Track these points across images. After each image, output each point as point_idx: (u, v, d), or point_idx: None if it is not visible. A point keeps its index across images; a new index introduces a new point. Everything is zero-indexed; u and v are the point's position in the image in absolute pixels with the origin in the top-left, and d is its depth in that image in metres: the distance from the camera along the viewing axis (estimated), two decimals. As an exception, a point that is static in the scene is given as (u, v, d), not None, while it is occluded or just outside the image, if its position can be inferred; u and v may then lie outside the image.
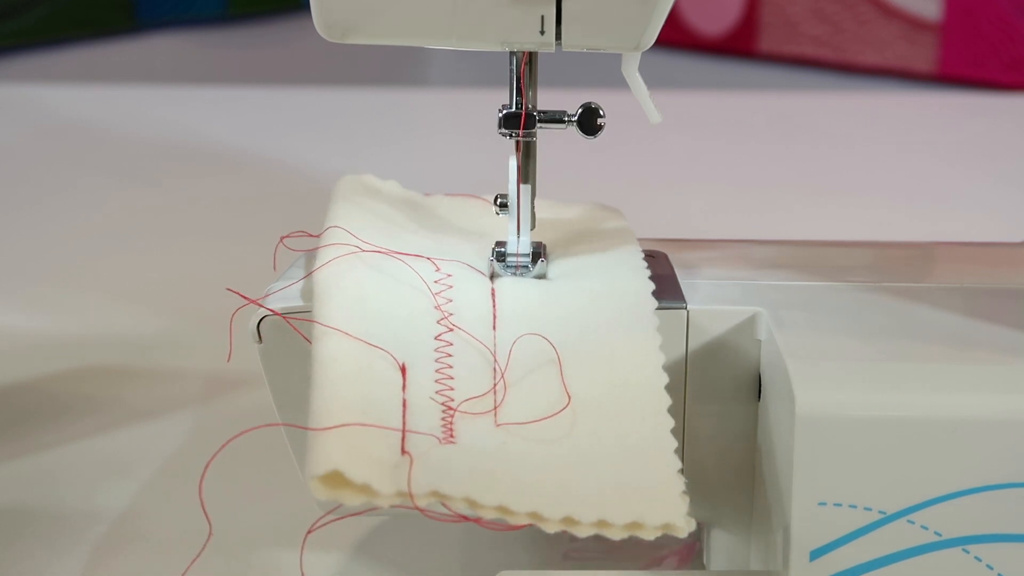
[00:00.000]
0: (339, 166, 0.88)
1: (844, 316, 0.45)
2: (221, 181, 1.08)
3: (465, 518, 0.37)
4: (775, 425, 0.42)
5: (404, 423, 0.39)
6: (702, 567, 0.49)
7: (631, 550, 0.50)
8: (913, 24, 2.01)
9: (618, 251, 0.48)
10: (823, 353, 0.42)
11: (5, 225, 0.96)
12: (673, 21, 2.17)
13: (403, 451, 0.38)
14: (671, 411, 0.41)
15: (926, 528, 0.39)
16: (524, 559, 0.51)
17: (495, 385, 0.42)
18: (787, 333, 0.43)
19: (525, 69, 0.46)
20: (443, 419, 0.40)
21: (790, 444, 0.39)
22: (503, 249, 0.47)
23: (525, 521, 0.37)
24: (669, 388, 0.41)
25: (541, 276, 0.47)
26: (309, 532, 0.43)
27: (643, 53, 0.46)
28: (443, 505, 0.37)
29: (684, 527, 0.38)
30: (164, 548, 0.52)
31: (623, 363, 0.42)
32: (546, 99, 0.48)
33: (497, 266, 0.47)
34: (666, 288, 0.46)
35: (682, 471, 0.39)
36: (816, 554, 0.40)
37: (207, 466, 0.42)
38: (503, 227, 0.48)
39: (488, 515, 0.37)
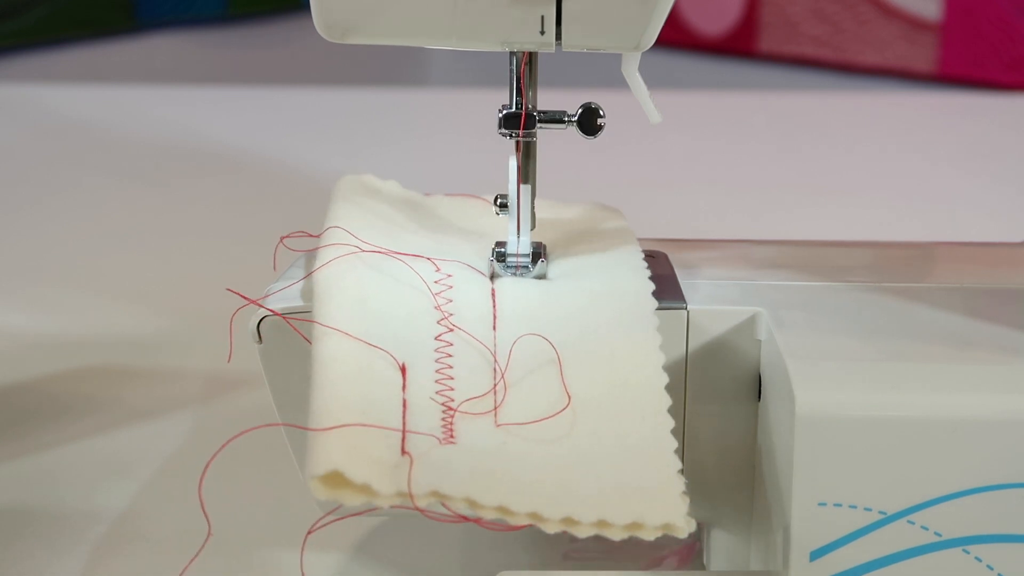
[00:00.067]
0: (339, 166, 0.88)
1: (844, 316, 0.45)
2: (221, 181, 1.08)
3: (465, 518, 0.37)
4: (775, 425, 0.42)
5: (404, 423, 0.39)
6: (702, 567, 0.49)
7: (631, 550, 0.50)
8: (913, 24, 2.01)
9: (618, 251, 0.48)
10: (823, 353, 0.42)
11: (5, 225, 0.96)
12: (673, 21, 2.17)
13: (403, 451, 0.38)
14: (671, 411, 0.41)
15: (926, 528, 0.39)
16: (524, 559, 0.51)
17: (495, 385, 0.42)
18: (787, 333, 0.43)
19: (525, 69, 0.46)
20: (443, 419, 0.40)
21: (790, 444, 0.39)
22: (503, 249, 0.47)
23: (525, 521, 0.37)
24: (669, 388, 0.41)
25: (541, 276, 0.47)
26: (309, 532, 0.43)
27: (643, 53, 0.46)
28: (443, 505, 0.37)
29: (684, 527, 0.38)
30: (164, 548, 0.52)
31: (623, 363, 0.42)
32: (546, 99, 0.48)
33: (497, 266, 0.47)
34: (666, 288, 0.46)
35: (682, 471, 0.39)
36: (816, 554, 0.40)
37: (207, 466, 0.42)
38: (503, 227, 0.48)
39: (488, 515, 0.37)
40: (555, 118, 0.47)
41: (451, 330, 0.43)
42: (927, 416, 0.39)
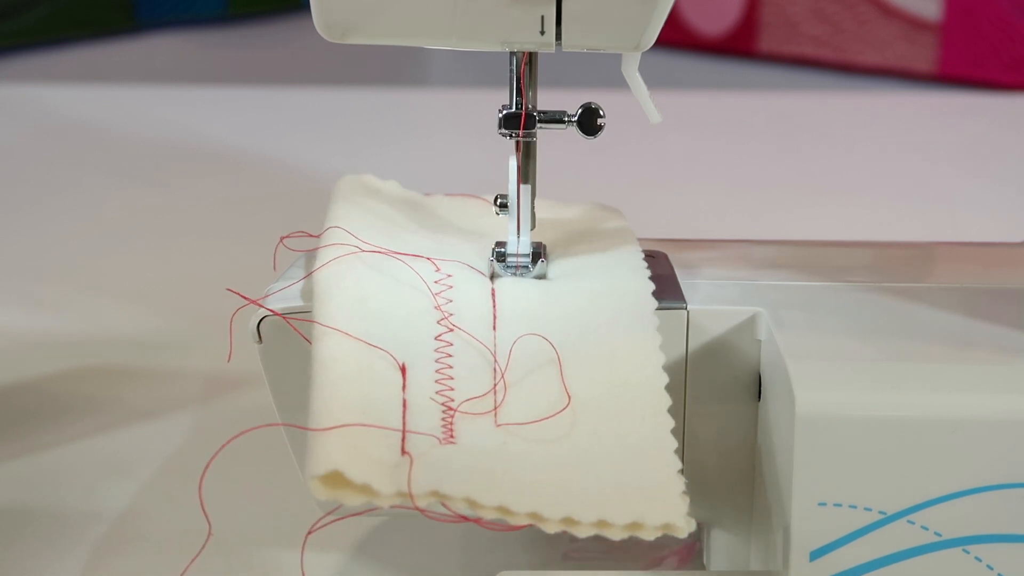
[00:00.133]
0: (339, 166, 0.88)
1: (844, 316, 0.45)
2: (221, 181, 1.08)
3: (465, 518, 0.37)
4: (775, 425, 0.42)
5: (404, 423, 0.39)
6: (702, 567, 0.49)
7: (631, 550, 0.50)
8: (913, 24, 2.01)
9: (618, 251, 0.48)
10: (823, 353, 0.42)
11: (5, 225, 0.96)
12: (673, 21, 2.17)
13: (403, 451, 0.38)
14: (671, 411, 0.41)
15: (926, 528, 0.39)
16: (524, 559, 0.51)
17: (495, 385, 0.42)
18: (787, 333, 0.43)
19: (525, 69, 0.46)
20: (443, 419, 0.40)
21: (790, 444, 0.39)
22: (503, 249, 0.47)
23: (525, 521, 0.37)
24: (669, 388, 0.41)
25: (541, 276, 0.47)
26: (309, 532, 0.43)
27: (643, 53, 0.46)
28: (443, 505, 0.37)
29: (684, 527, 0.38)
30: (164, 548, 0.52)
31: (623, 363, 0.42)
32: (546, 99, 0.48)
33: (497, 266, 0.47)
34: (666, 288, 0.46)
35: (682, 471, 0.39)
36: (816, 554, 0.40)
37: (207, 466, 0.42)
38: (503, 227, 0.48)
39: (488, 515, 0.37)
40: (555, 118, 0.47)
41: (451, 330, 0.43)
42: (927, 416, 0.39)
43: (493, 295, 0.45)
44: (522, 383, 0.42)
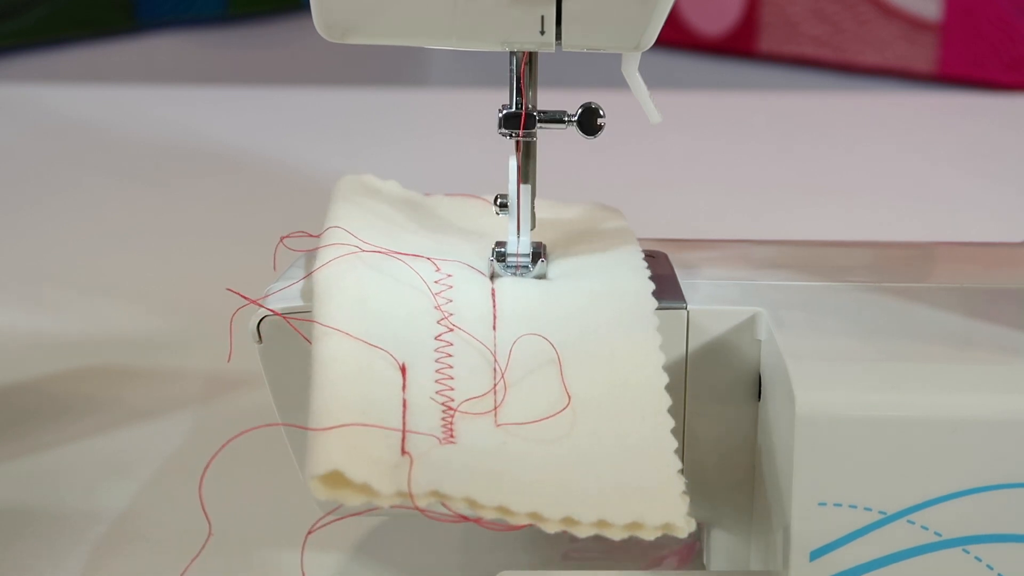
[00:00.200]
0: (339, 166, 0.88)
1: (844, 316, 0.45)
2: (221, 181, 1.08)
3: (465, 518, 0.37)
4: (775, 425, 0.42)
5: (404, 423, 0.39)
6: (702, 567, 0.49)
7: (631, 550, 0.50)
8: (913, 24, 2.01)
9: (618, 251, 0.48)
10: (823, 353, 0.42)
11: (5, 225, 0.96)
12: (673, 21, 2.17)
13: (403, 451, 0.38)
14: (671, 411, 0.41)
15: (926, 528, 0.39)
16: (524, 559, 0.51)
17: (495, 385, 0.42)
18: (787, 333, 0.43)
19: (525, 69, 0.46)
20: (443, 419, 0.40)
21: (790, 444, 0.39)
22: (503, 249, 0.47)
23: (525, 521, 0.37)
24: (669, 388, 0.41)
25: (541, 276, 0.47)
26: (309, 532, 0.43)
27: (643, 53, 0.46)
28: (443, 505, 0.37)
29: (684, 527, 0.38)
30: (164, 548, 0.52)
31: (623, 363, 0.42)
32: (546, 99, 0.48)
33: (497, 266, 0.47)
34: (666, 288, 0.46)
35: (682, 471, 0.39)
36: (816, 554, 0.40)
37: (207, 466, 0.43)
38: (503, 227, 0.48)
39: (488, 515, 0.37)
40: (555, 118, 0.47)
41: (451, 330, 0.43)
42: (927, 416, 0.39)
43: (493, 295, 0.45)
44: (522, 383, 0.42)
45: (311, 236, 0.48)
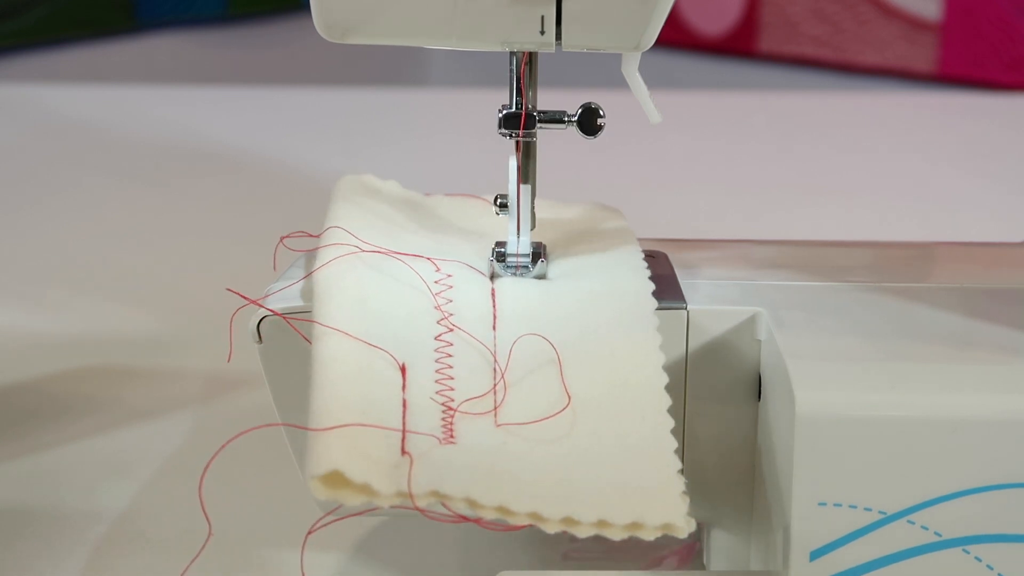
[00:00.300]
0: (339, 166, 0.88)
1: (844, 316, 0.45)
2: (221, 181, 1.08)
3: (465, 518, 0.37)
4: (775, 425, 0.42)
5: (404, 423, 0.39)
6: (702, 567, 0.49)
7: (631, 550, 0.50)
8: (913, 24, 2.01)
9: (618, 251, 0.48)
10: (823, 353, 0.42)
11: (5, 225, 0.96)
12: (673, 21, 2.18)
13: (403, 451, 0.38)
14: (671, 411, 0.41)
15: (926, 528, 0.39)
16: (524, 559, 0.51)
17: (495, 385, 0.42)
18: (787, 333, 0.43)
19: (525, 69, 0.46)
20: (443, 419, 0.40)
21: (790, 444, 0.39)
22: (503, 249, 0.47)
23: (525, 521, 0.37)
24: (669, 388, 0.41)
25: (541, 276, 0.47)
26: (309, 532, 0.43)
27: (643, 53, 0.46)
28: (443, 505, 0.37)
29: (684, 527, 0.38)
30: (164, 548, 0.52)
31: (623, 363, 0.42)
32: (546, 99, 0.48)
33: (497, 266, 0.47)
34: (666, 288, 0.46)
35: (682, 471, 0.39)
36: (816, 554, 0.40)
37: (207, 466, 0.42)
38: (503, 227, 0.48)
39: (488, 515, 0.37)
40: (555, 118, 0.47)
41: (451, 330, 0.43)
42: (927, 416, 0.39)
43: (493, 295, 0.45)
44: (522, 383, 0.42)
45: (311, 236, 0.48)
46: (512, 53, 0.46)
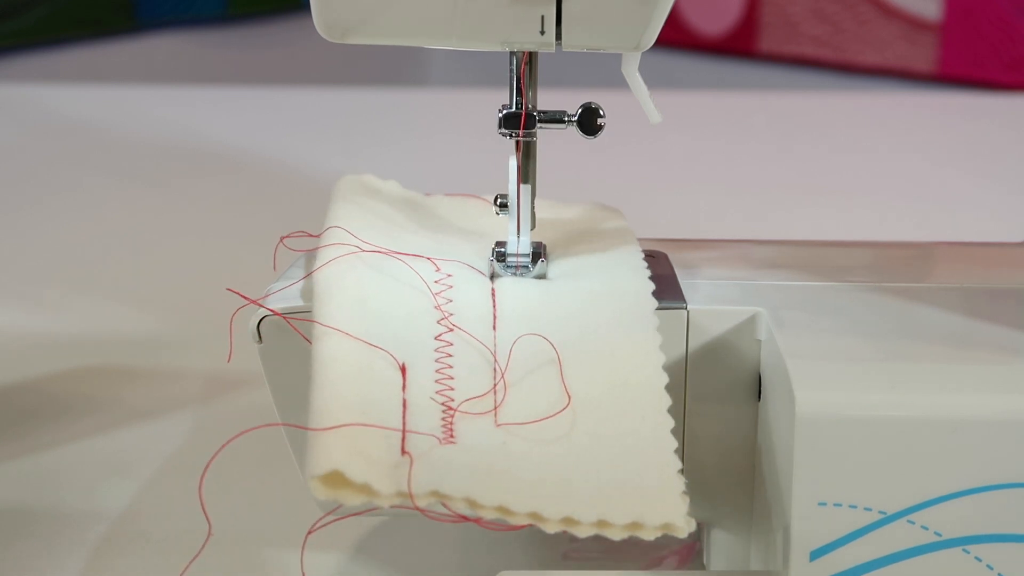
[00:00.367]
0: (339, 166, 0.88)
1: (844, 316, 0.45)
2: (221, 181, 1.08)
3: (465, 518, 0.37)
4: (775, 425, 0.42)
5: (404, 423, 0.39)
6: (702, 567, 0.49)
7: (631, 550, 0.50)
8: (913, 24, 2.01)
9: (618, 251, 0.48)
10: (823, 353, 0.42)
11: (5, 225, 0.96)
12: (673, 21, 2.18)
13: (403, 451, 0.38)
14: (671, 411, 0.41)
15: (926, 528, 0.39)
16: (524, 559, 0.51)
17: (495, 385, 0.42)
18: (787, 333, 0.43)
19: (525, 69, 0.46)
20: (443, 419, 0.40)
21: (790, 444, 0.39)
22: (503, 249, 0.47)
23: (525, 521, 0.37)
24: (669, 388, 0.41)
25: (541, 276, 0.47)
26: (309, 532, 0.43)
27: (643, 53, 0.46)
28: (443, 505, 0.37)
29: (684, 527, 0.38)
30: (164, 548, 0.52)
31: (623, 363, 0.42)
32: (546, 99, 0.48)
33: (497, 266, 0.47)
34: (666, 288, 0.46)
35: (682, 471, 0.39)
36: (816, 554, 0.40)
37: (207, 466, 0.43)
38: (503, 227, 0.48)
39: (488, 515, 0.37)
40: (555, 118, 0.47)
41: (451, 330, 0.43)
42: (927, 416, 0.39)
43: (493, 295, 0.45)
44: (522, 383, 0.42)
45: (311, 236, 0.48)
46: (512, 53, 0.46)
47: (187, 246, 0.92)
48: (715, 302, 0.45)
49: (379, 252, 0.46)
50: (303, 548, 0.49)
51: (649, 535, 0.38)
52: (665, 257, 0.49)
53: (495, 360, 0.42)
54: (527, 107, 0.46)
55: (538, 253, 0.47)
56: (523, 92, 0.46)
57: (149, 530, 0.53)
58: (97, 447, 0.61)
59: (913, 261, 0.53)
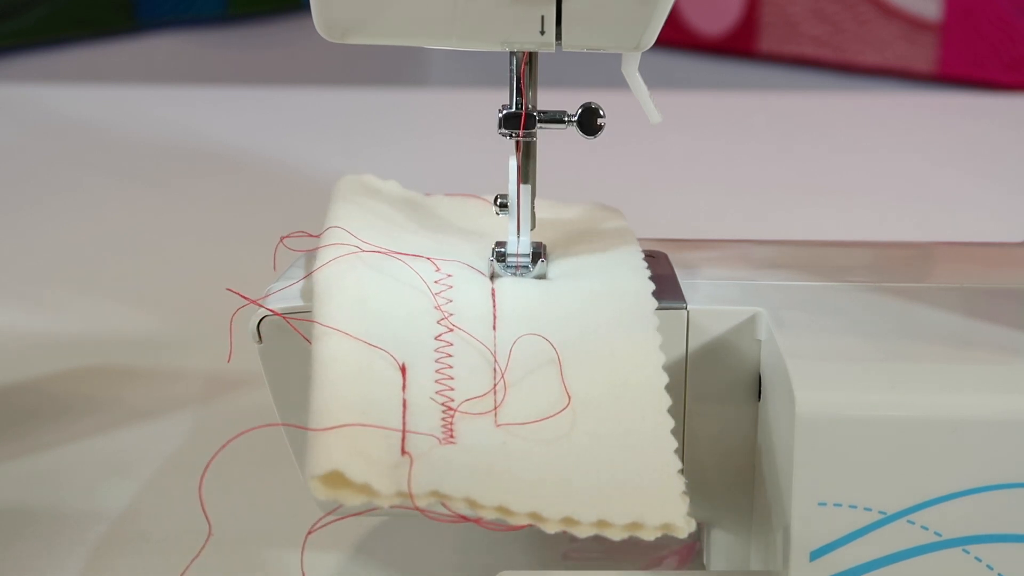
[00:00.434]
0: (339, 166, 0.88)
1: (844, 316, 0.45)
2: (221, 181, 1.08)
3: (465, 518, 0.37)
4: (775, 425, 0.42)
5: (404, 423, 0.39)
6: (702, 567, 0.49)
7: (631, 550, 0.50)
8: (913, 24, 2.01)
9: (618, 251, 0.48)
10: (823, 353, 0.42)
11: (5, 225, 0.96)
12: (673, 21, 2.18)
13: (403, 451, 0.38)
14: (671, 411, 0.41)
15: (926, 528, 0.39)
16: (524, 559, 0.51)
17: (495, 385, 0.42)
18: (787, 333, 0.43)
19: (525, 69, 0.46)
20: (443, 419, 0.40)
21: (790, 444, 0.39)
22: (503, 249, 0.47)
23: (525, 521, 0.37)
24: (669, 388, 0.41)
25: (541, 276, 0.47)
26: (309, 532, 0.43)
27: (643, 53, 0.46)
28: (443, 505, 0.37)
29: (684, 527, 0.38)
30: (164, 548, 0.52)
31: (623, 363, 0.42)
32: (546, 99, 0.48)
33: (497, 266, 0.47)
34: (666, 288, 0.46)
35: (682, 471, 0.39)
36: (816, 554, 0.40)
37: (207, 466, 0.42)
38: (503, 227, 0.48)
39: (488, 515, 0.37)
40: (555, 118, 0.47)
41: (451, 330, 0.43)
42: (927, 416, 0.39)
43: (493, 295, 0.45)
44: (522, 383, 0.42)
45: (311, 236, 0.48)
46: (512, 53, 0.46)
47: (187, 246, 0.92)
48: (715, 302, 0.45)
49: (379, 252, 0.46)
50: (303, 548, 0.49)
51: (649, 535, 0.38)
52: (665, 257, 0.49)
53: (495, 360, 0.42)
54: (527, 107, 0.46)
55: (538, 253, 0.47)
56: (523, 92, 0.46)
57: (149, 530, 0.53)
58: (97, 447, 0.61)
59: (913, 261, 0.53)
